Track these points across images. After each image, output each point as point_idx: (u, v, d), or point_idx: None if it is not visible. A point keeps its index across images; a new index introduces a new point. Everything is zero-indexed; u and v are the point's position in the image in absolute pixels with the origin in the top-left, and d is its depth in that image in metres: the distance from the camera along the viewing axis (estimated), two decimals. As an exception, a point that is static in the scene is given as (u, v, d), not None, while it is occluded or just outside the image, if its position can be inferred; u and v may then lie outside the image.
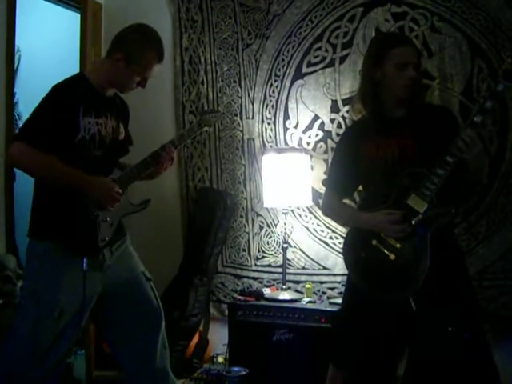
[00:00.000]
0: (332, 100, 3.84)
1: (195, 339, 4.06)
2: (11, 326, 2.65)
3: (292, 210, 3.94)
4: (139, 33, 2.77)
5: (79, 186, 2.57)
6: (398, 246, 2.54)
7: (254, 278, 4.11)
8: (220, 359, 3.94)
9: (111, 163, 2.75)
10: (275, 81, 4.01)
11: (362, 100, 2.77)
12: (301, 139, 3.96)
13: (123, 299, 2.81)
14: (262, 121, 4.07)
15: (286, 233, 3.84)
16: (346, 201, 3.04)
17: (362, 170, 2.73)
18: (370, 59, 2.73)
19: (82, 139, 2.59)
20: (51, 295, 2.54)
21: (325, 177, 3.76)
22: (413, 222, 2.49)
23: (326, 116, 3.86)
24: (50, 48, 5.21)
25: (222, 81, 4.18)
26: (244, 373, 3.44)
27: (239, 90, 4.13)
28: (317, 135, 3.91)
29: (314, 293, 3.82)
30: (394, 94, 2.65)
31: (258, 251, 4.11)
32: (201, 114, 3.17)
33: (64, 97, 2.59)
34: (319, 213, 3.79)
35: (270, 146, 4.05)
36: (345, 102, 3.79)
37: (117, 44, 2.74)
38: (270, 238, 4.08)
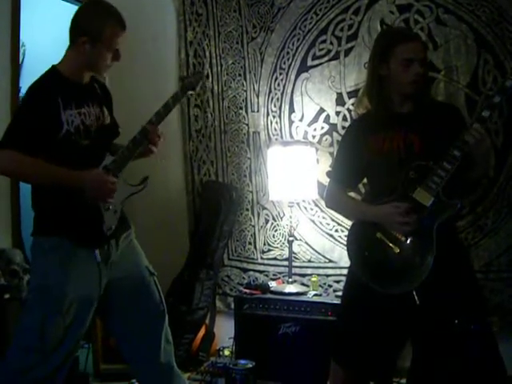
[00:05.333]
0: (337, 93, 3.83)
1: (201, 333, 4.07)
2: (19, 322, 2.66)
3: (298, 203, 3.94)
4: (91, 10, 2.70)
5: (72, 185, 2.54)
6: (403, 239, 2.53)
7: (260, 272, 4.12)
8: (226, 352, 3.94)
9: (101, 150, 2.69)
10: (280, 74, 4.00)
11: (369, 96, 2.76)
12: (306, 132, 3.96)
13: (126, 293, 2.80)
14: (268, 114, 4.07)
15: (291, 226, 3.84)
16: (351, 193, 3.04)
17: (367, 164, 2.72)
18: (376, 56, 2.71)
19: (66, 133, 2.55)
20: (59, 290, 2.54)
21: (330, 170, 3.76)
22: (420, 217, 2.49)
23: (331, 109, 3.86)
24: (54, 43, 5.19)
25: (227, 74, 4.17)
26: (250, 365, 3.45)
27: (244, 83, 4.12)
28: (322, 128, 3.91)
29: (320, 286, 3.83)
30: (400, 90, 2.64)
31: (264, 244, 4.12)
32: (182, 79, 3.08)
33: (41, 95, 2.55)
34: (325, 206, 3.79)
35: (276, 139, 4.04)
36: (350, 94, 3.78)
37: (76, 29, 2.65)
38: (275, 231, 4.09)
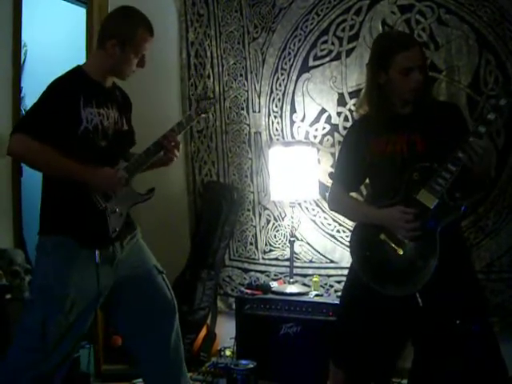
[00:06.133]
0: (338, 93, 3.83)
1: (203, 333, 4.07)
2: (20, 321, 2.67)
3: (299, 204, 3.94)
4: (123, 15, 2.77)
5: (80, 175, 2.56)
6: (406, 241, 2.53)
7: (262, 272, 4.12)
8: (227, 352, 3.94)
9: (117, 154, 2.74)
10: (281, 74, 4.00)
11: (369, 102, 2.76)
12: (307, 132, 3.96)
13: (136, 292, 2.82)
14: (269, 114, 4.07)
15: (293, 226, 3.84)
16: (353, 194, 3.03)
17: (369, 165, 2.72)
18: (374, 65, 2.70)
19: (85, 130, 2.58)
20: (61, 290, 2.55)
21: (332, 170, 3.76)
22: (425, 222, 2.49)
23: (332, 109, 3.86)
24: (56, 43, 5.21)
25: (229, 75, 4.17)
26: (252, 366, 3.45)
27: (245, 83, 4.12)
28: (324, 128, 3.90)
29: (322, 286, 3.82)
30: (400, 96, 2.64)
31: (265, 245, 4.12)
32: (197, 101, 3.15)
33: (63, 89, 2.58)
34: (326, 206, 3.76)
35: (277, 140, 4.04)
36: (351, 95, 3.78)
37: (106, 32, 2.72)
38: (277, 231, 4.09)
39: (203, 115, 3.16)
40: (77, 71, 2.70)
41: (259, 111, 4.10)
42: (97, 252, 2.60)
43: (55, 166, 2.55)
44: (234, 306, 3.92)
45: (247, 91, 4.12)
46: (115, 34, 2.67)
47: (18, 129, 2.53)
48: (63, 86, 2.60)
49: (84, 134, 2.58)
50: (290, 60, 3.96)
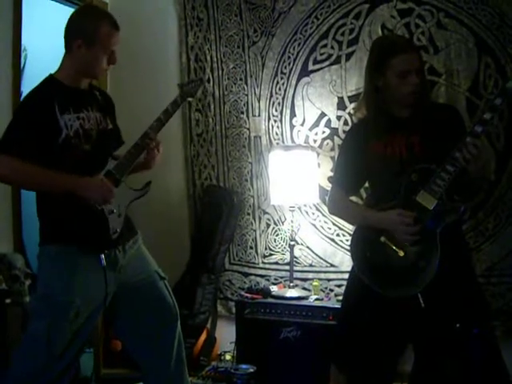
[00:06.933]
0: (338, 97, 3.83)
1: (203, 337, 4.06)
2: (26, 330, 2.66)
3: (299, 208, 3.94)
4: (83, 13, 2.75)
5: (69, 189, 2.53)
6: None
7: (262, 276, 4.12)
8: (227, 357, 3.95)
9: (103, 155, 2.71)
10: (281, 78, 4.00)
11: (367, 105, 2.76)
12: (307, 136, 3.95)
13: (139, 298, 2.82)
14: (269, 118, 4.07)
15: (293, 230, 3.84)
16: (353, 198, 3.03)
17: (369, 168, 2.72)
18: (372, 68, 2.72)
19: (66, 137, 2.55)
20: (65, 298, 2.54)
21: (331, 174, 3.75)
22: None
23: (332, 113, 3.85)
24: (56, 47, 5.20)
25: (228, 79, 4.17)
26: (252, 370, 3.45)
27: (245, 87, 4.12)
28: (323, 132, 3.90)
29: (322, 290, 3.82)
30: (399, 100, 2.65)
31: (265, 249, 4.11)
32: (181, 86, 3.11)
33: (37, 101, 2.56)
34: (326, 210, 3.76)
35: (277, 144, 4.04)
36: (351, 99, 3.78)
37: (70, 34, 2.67)
38: (276, 235, 4.08)
39: (190, 99, 3.13)
40: (48, 80, 2.66)
41: (259, 115, 4.10)
42: (102, 256, 2.59)
43: (44, 184, 2.53)
44: (234, 310, 3.92)
45: (247, 95, 4.12)
46: (78, 33, 2.63)
47: (1, 150, 2.47)
48: (36, 98, 2.57)
49: (65, 141, 2.55)
50: (289, 64, 3.96)
